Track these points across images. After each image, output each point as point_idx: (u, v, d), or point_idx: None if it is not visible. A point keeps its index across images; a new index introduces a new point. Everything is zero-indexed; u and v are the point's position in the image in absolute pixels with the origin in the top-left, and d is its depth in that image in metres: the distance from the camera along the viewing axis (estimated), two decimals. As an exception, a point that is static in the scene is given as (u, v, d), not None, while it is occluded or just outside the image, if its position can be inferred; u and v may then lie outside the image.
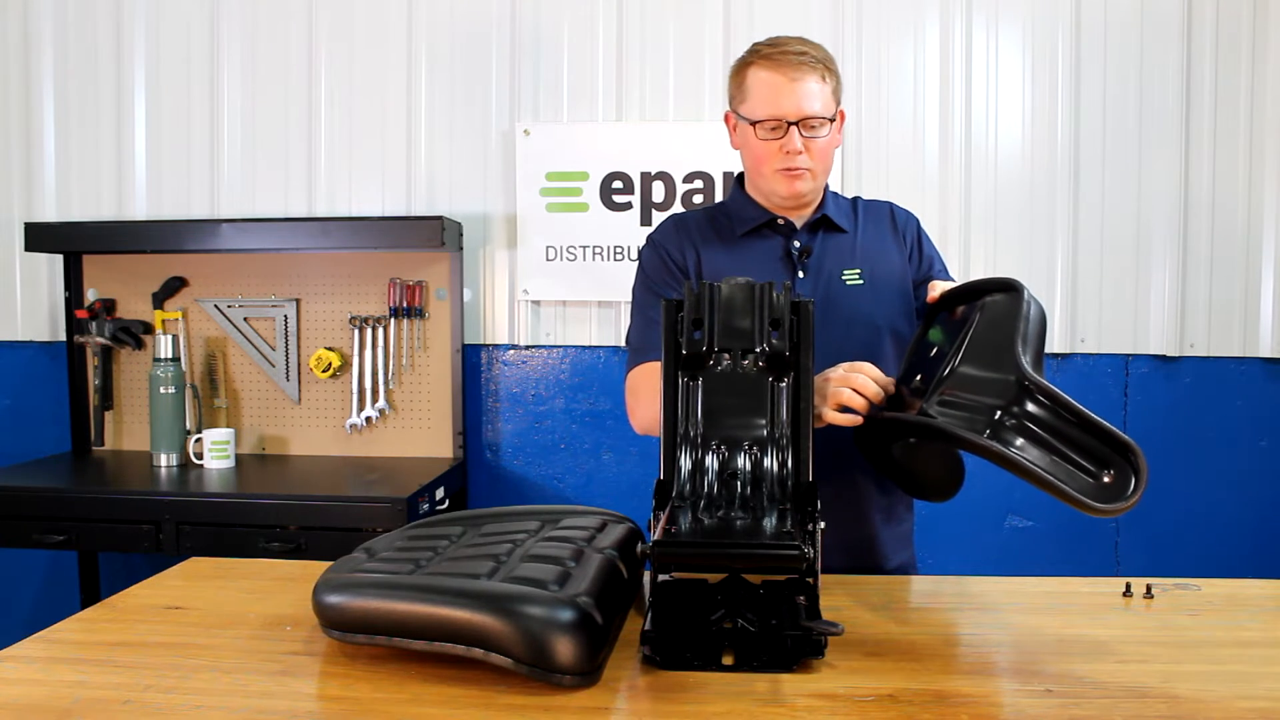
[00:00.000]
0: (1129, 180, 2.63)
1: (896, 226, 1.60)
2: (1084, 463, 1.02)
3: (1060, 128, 2.64)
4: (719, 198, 2.63)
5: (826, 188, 1.58)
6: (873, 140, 2.66)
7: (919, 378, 1.29)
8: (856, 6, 2.65)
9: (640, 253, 1.62)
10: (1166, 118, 2.61)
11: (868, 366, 1.30)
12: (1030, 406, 1.08)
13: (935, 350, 1.30)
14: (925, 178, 2.66)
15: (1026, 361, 1.12)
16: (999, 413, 1.10)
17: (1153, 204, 2.63)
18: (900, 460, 1.33)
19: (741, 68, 1.50)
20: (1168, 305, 2.63)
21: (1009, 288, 1.24)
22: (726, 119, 1.56)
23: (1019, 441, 1.07)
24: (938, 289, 1.39)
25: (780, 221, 1.55)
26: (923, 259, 1.59)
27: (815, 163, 1.48)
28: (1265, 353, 2.64)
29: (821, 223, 1.55)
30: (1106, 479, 1.00)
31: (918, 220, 1.64)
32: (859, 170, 2.66)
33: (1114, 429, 1.01)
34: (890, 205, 1.64)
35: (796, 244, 1.53)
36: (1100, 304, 2.66)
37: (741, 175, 1.61)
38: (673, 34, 2.68)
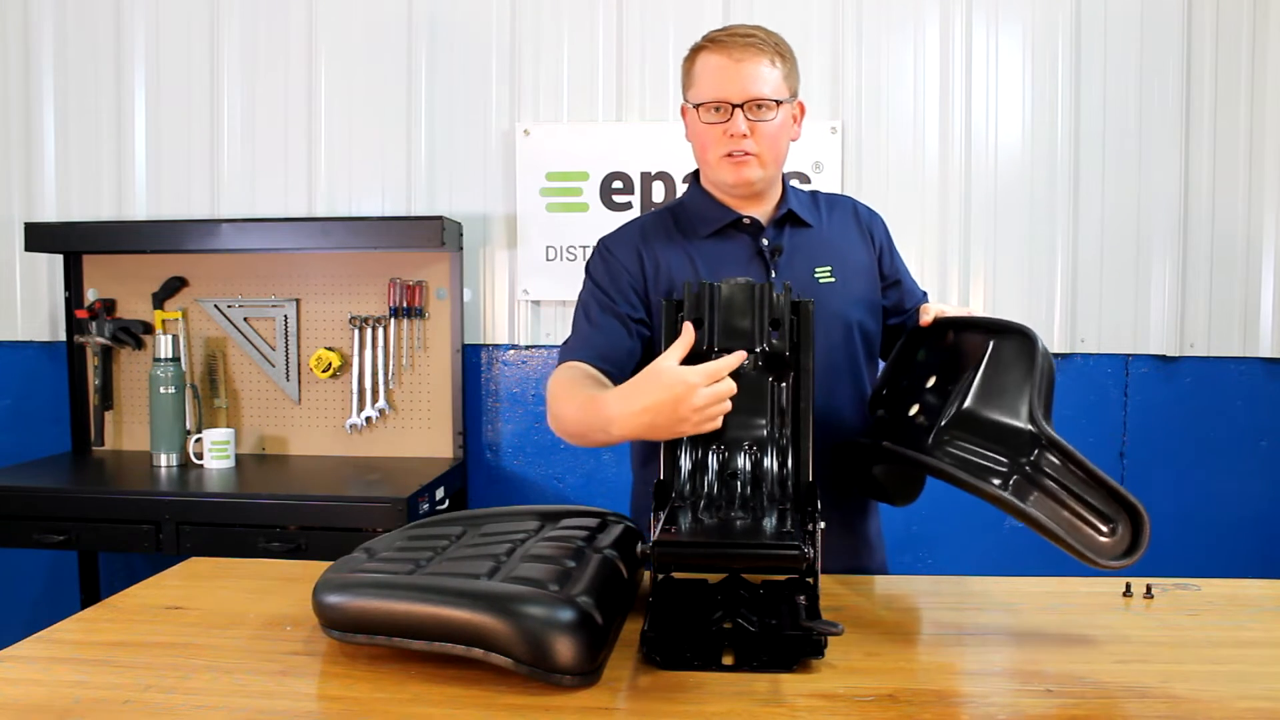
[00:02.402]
0: (1129, 180, 2.63)
1: (860, 222, 1.56)
2: (1090, 517, 1.09)
3: (1060, 128, 2.63)
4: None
5: (786, 182, 1.52)
6: (873, 140, 2.66)
7: (917, 408, 1.28)
8: (856, 6, 2.64)
9: (588, 261, 1.53)
10: (1166, 118, 2.61)
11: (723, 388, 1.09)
12: (1041, 459, 1.12)
13: (934, 381, 1.29)
14: (925, 178, 2.65)
15: (1039, 413, 1.15)
16: (1010, 462, 1.13)
17: (1153, 204, 2.63)
18: (879, 477, 1.37)
19: (692, 54, 1.44)
20: (1168, 305, 2.63)
21: (1019, 332, 1.24)
22: (682, 112, 1.47)
23: (1029, 492, 1.11)
24: (930, 313, 1.36)
25: (746, 220, 1.48)
26: (893, 261, 1.57)
27: (762, 149, 1.40)
28: (1265, 353, 2.64)
29: (788, 218, 1.49)
30: (1111, 534, 1.07)
31: (884, 220, 1.60)
32: (859, 170, 2.66)
33: (1122, 489, 1.07)
34: (853, 201, 1.59)
35: (765, 242, 1.47)
36: (1100, 304, 2.65)
37: (698, 172, 1.52)
38: (673, 34, 2.67)
